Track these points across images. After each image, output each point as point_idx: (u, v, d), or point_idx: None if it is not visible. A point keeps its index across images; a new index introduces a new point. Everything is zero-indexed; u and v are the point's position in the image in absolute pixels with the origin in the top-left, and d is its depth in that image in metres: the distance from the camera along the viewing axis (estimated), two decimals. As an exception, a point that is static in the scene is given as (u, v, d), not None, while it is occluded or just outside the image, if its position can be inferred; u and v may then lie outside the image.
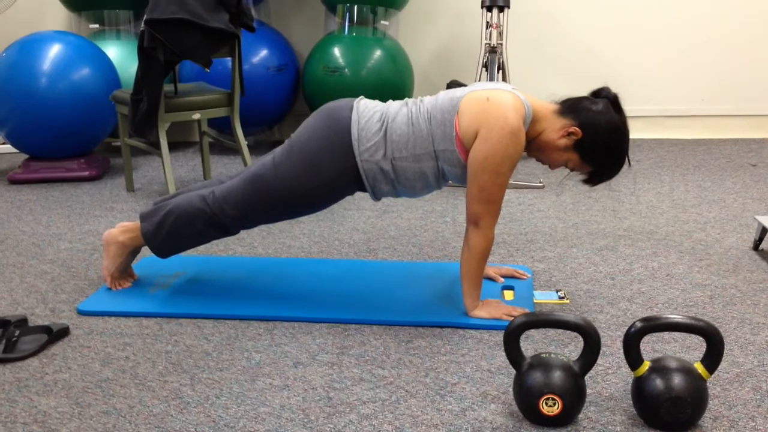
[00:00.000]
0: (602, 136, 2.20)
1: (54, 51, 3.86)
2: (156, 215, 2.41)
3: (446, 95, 2.27)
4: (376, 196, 2.35)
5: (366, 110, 2.28)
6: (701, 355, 1.75)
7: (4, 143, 4.32)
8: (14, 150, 4.17)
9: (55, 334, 2.16)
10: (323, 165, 2.25)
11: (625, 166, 2.28)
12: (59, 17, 4.92)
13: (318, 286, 2.51)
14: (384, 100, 4.38)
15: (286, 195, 2.30)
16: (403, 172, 2.25)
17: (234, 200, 2.34)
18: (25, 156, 4.10)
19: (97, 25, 4.57)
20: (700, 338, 1.93)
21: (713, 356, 1.70)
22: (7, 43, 3.96)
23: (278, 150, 2.34)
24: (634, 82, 4.88)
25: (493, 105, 2.17)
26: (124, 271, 2.52)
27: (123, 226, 2.49)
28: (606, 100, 2.24)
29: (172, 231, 2.40)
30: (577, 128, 2.20)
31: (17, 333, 2.10)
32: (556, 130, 2.22)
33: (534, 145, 2.26)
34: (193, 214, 2.37)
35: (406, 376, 1.95)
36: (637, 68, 4.89)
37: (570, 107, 2.24)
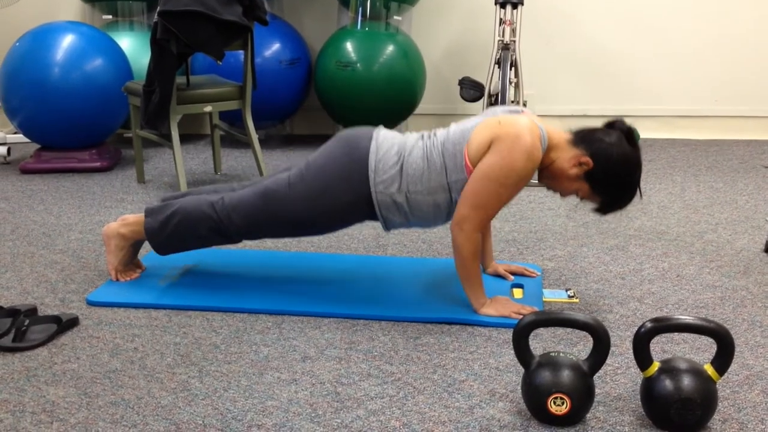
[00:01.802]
0: (613, 168, 2.20)
1: (67, 41, 3.86)
2: (161, 213, 2.42)
3: (458, 127, 2.29)
4: (388, 227, 2.36)
5: (385, 142, 2.29)
6: (711, 357, 1.74)
7: (16, 133, 4.33)
8: (26, 140, 4.17)
9: (65, 324, 2.16)
10: (337, 191, 2.27)
11: (637, 197, 2.28)
12: (73, 8, 4.93)
13: (327, 281, 2.51)
14: (396, 95, 4.38)
15: (296, 215, 2.31)
16: (417, 205, 2.26)
17: (243, 211, 2.34)
18: (37, 146, 4.11)
19: (110, 16, 4.58)
20: (711, 340, 1.92)
21: (723, 358, 1.70)
22: (21, 33, 3.97)
23: (294, 169, 2.35)
24: (646, 82, 4.85)
25: (504, 125, 2.18)
26: (128, 264, 2.53)
27: (124, 218, 2.50)
28: (619, 132, 2.23)
29: (174, 231, 2.40)
30: (588, 158, 2.20)
31: (27, 322, 2.11)
32: (568, 159, 2.22)
33: (545, 173, 2.27)
34: (199, 219, 2.38)
35: (414, 373, 1.95)
36: (650, 67, 4.86)
37: (583, 137, 2.24)
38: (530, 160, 2.15)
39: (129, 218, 2.50)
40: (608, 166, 2.19)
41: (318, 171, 2.29)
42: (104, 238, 2.50)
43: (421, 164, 2.24)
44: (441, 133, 2.30)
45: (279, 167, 2.47)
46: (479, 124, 2.24)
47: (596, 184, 2.22)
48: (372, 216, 2.33)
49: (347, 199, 2.28)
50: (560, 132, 2.27)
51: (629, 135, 2.23)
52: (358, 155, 2.27)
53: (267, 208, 2.33)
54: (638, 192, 2.26)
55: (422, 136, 2.32)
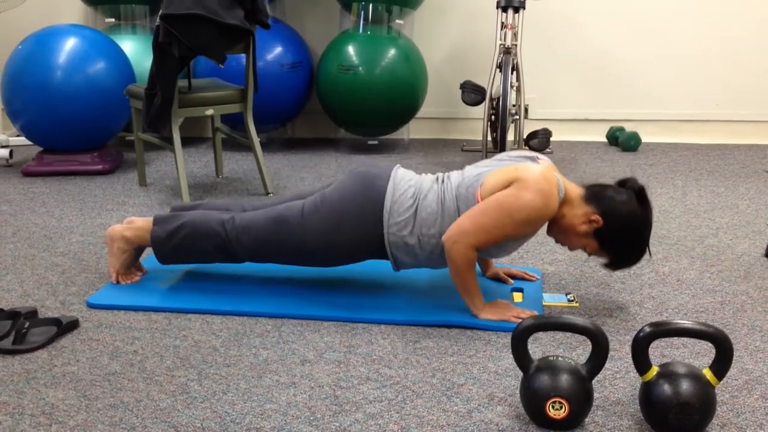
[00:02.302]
0: (622, 227, 2.21)
1: (69, 44, 3.88)
2: (170, 223, 2.42)
3: (472, 171, 2.29)
4: (398, 267, 2.36)
5: (402, 183, 2.30)
6: (710, 362, 1.74)
7: (18, 136, 4.34)
8: (28, 142, 4.19)
9: (65, 327, 2.17)
10: (350, 228, 2.28)
11: (646, 256, 2.30)
12: (75, 11, 4.94)
13: (327, 285, 2.51)
14: (398, 99, 4.38)
15: (306, 246, 2.32)
16: (428, 248, 2.27)
17: (254, 234, 2.35)
18: (39, 149, 4.12)
19: (113, 20, 4.59)
20: (710, 344, 1.92)
21: (722, 362, 1.69)
22: (24, 36, 3.98)
23: (309, 200, 2.35)
24: (648, 86, 4.86)
25: (522, 171, 2.19)
26: (129, 267, 2.53)
27: (131, 221, 2.50)
28: (631, 191, 2.24)
29: (181, 244, 2.41)
30: (598, 216, 2.20)
31: (27, 325, 2.11)
32: (579, 215, 2.23)
33: (555, 226, 2.28)
34: (207, 235, 2.38)
35: (413, 376, 1.95)
36: (652, 71, 4.86)
37: (595, 194, 2.25)
38: (546, 207, 2.16)
39: (136, 222, 2.50)
40: (617, 225, 2.21)
41: (333, 205, 2.30)
42: (108, 240, 2.51)
43: (436, 208, 2.25)
44: (455, 176, 2.31)
45: (290, 192, 2.48)
46: (495, 170, 2.24)
47: (605, 242, 2.24)
48: (381, 255, 2.34)
49: (359, 237, 2.29)
50: (574, 186, 2.28)
51: (641, 194, 2.24)
52: (374, 194, 2.28)
53: (277, 234, 2.34)
54: (647, 251, 2.28)
55: (437, 179, 2.32)
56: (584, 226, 2.22)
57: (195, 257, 2.47)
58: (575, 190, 2.27)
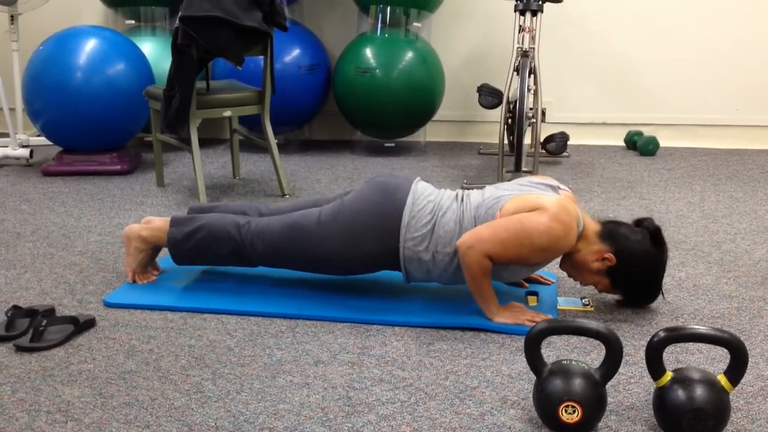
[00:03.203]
0: (635, 268, 2.23)
1: (90, 46, 3.91)
2: (187, 225, 2.44)
3: (492, 193, 2.29)
4: (409, 280, 2.37)
5: (421, 198, 2.29)
6: (725, 368, 1.73)
7: (38, 135, 4.38)
8: (48, 142, 4.22)
9: (82, 325, 2.19)
10: (366, 239, 2.29)
11: (659, 299, 2.33)
12: (96, 12, 4.98)
13: (341, 286, 2.52)
14: (415, 101, 4.38)
15: (321, 254, 2.33)
16: (442, 265, 2.27)
17: (269, 240, 2.37)
18: (58, 149, 4.16)
19: (133, 21, 4.63)
20: (725, 350, 1.91)
21: (737, 368, 1.68)
22: (45, 37, 4.02)
23: (326, 208, 2.36)
24: (667, 90, 4.83)
25: (544, 201, 2.18)
26: (146, 267, 2.55)
27: (149, 221, 2.52)
28: (646, 231, 2.25)
29: (196, 246, 2.43)
30: (612, 255, 2.21)
31: (44, 323, 2.13)
32: (593, 252, 2.24)
33: (569, 260, 2.29)
34: (223, 239, 2.40)
35: (426, 379, 1.95)
36: (672, 76, 4.84)
37: (610, 232, 2.26)
38: (566, 237, 2.17)
39: (154, 222, 2.52)
40: (630, 265, 2.22)
41: (350, 215, 2.30)
42: (125, 239, 2.53)
43: (453, 227, 2.25)
44: (475, 196, 2.31)
45: (306, 199, 2.50)
46: (516, 195, 2.24)
47: (617, 281, 2.26)
48: (395, 267, 2.34)
49: (374, 248, 2.30)
50: (590, 221, 2.29)
51: (656, 235, 2.25)
52: (392, 207, 2.28)
53: (292, 240, 2.35)
54: (660, 294, 2.29)
55: (456, 197, 2.32)
56: (597, 263, 2.23)
57: (210, 260, 2.48)
58: (591, 226, 2.27)
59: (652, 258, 2.24)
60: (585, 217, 2.28)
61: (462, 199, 2.31)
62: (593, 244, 2.24)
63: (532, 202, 2.19)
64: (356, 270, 2.39)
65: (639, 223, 2.29)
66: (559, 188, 2.29)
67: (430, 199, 2.30)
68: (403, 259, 2.29)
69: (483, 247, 2.16)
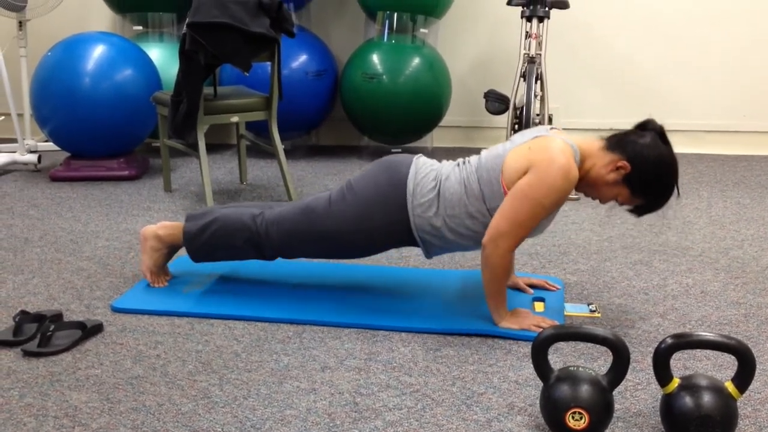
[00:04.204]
0: (651, 169, 2.20)
1: (98, 51, 3.92)
2: (202, 219, 2.46)
3: (489, 154, 2.30)
4: (429, 253, 2.38)
5: (423, 167, 2.33)
6: (733, 374, 1.73)
7: (46, 141, 4.40)
8: (56, 148, 4.24)
9: (89, 330, 2.19)
10: (376, 213, 2.30)
11: (674, 197, 2.27)
12: (104, 18, 5.00)
13: (348, 292, 2.52)
14: (421, 107, 4.39)
15: (334, 234, 2.34)
16: (455, 228, 2.28)
17: (282, 226, 2.38)
18: (66, 154, 4.17)
19: (140, 27, 4.64)
20: (732, 357, 1.90)
21: (744, 375, 1.68)
22: (53, 43, 4.04)
23: (336, 189, 2.39)
24: (674, 96, 4.82)
25: (534, 151, 2.19)
26: (162, 267, 2.56)
27: (163, 223, 2.55)
28: (653, 132, 2.23)
29: (212, 238, 2.44)
30: (625, 162, 2.20)
31: (52, 328, 2.14)
32: (605, 165, 2.22)
33: (583, 183, 2.27)
34: (238, 229, 2.41)
35: (433, 384, 1.95)
36: (678, 81, 4.83)
37: (617, 142, 2.24)
38: (567, 180, 2.16)
39: (168, 223, 2.55)
40: (646, 167, 2.20)
41: (359, 192, 2.33)
42: (141, 239, 2.54)
43: (459, 189, 2.26)
44: (474, 160, 2.33)
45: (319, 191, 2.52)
46: (510, 151, 2.25)
47: (636, 187, 2.22)
48: (411, 241, 2.35)
49: (386, 221, 2.31)
50: (591, 141, 2.28)
51: (662, 134, 2.24)
52: (397, 179, 2.31)
53: (306, 224, 2.37)
54: (676, 190, 2.26)
55: (458, 164, 2.34)
56: (613, 174, 2.21)
57: (225, 252, 2.48)
58: (595, 144, 2.27)
59: (664, 156, 2.21)
60: (581, 142, 2.26)
61: (464, 164, 2.33)
62: (603, 157, 2.23)
63: (527, 159, 2.18)
64: (372, 247, 2.40)
65: (642, 126, 2.27)
66: (547, 132, 2.28)
67: (433, 168, 2.34)
68: (416, 229, 2.30)
69: (507, 243, 2.18)
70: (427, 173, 2.31)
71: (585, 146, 2.25)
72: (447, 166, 2.35)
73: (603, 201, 2.31)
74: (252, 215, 2.43)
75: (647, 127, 2.25)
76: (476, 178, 2.26)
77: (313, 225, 2.36)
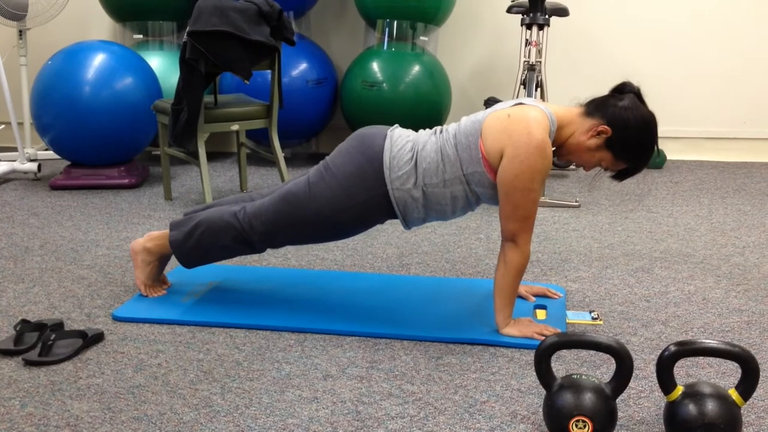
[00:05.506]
0: (632, 131, 2.21)
1: (98, 60, 3.93)
2: (185, 225, 2.45)
3: (468, 120, 2.30)
4: (408, 225, 2.36)
5: (399, 139, 2.30)
6: (736, 382, 1.72)
7: (46, 149, 4.40)
8: (56, 156, 4.24)
9: (90, 339, 2.19)
10: (355, 190, 2.28)
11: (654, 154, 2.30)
12: (104, 27, 5.01)
13: (350, 300, 2.52)
14: (422, 115, 4.39)
15: (317, 216, 2.32)
16: (434, 198, 2.27)
17: (265, 217, 2.36)
18: (66, 162, 4.17)
19: (141, 36, 4.65)
20: (736, 364, 1.90)
21: (748, 383, 1.68)
22: (53, 52, 4.04)
23: (313, 170, 2.37)
24: (674, 103, 4.82)
25: (514, 122, 2.19)
26: (156, 279, 2.55)
27: (150, 234, 2.53)
28: (631, 94, 2.24)
29: (198, 242, 2.43)
30: (606, 126, 2.20)
31: (53, 337, 2.13)
32: (585, 131, 2.23)
33: (564, 150, 2.28)
34: (222, 228, 2.40)
35: (436, 393, 1.94)
36: (678, 89, 4.84)
37: (596, 107, 2.25)
38: (543, 157, 2.16)
39: (154, 233, 2.53)
40: (627, 130, 2.20)
41: (336, 170, 2.30)
42: (131, 254, 2.54)
43: (435, 157, 2.25)
44: (452, 127, 2.31)
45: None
46: (489, 115, 2.24)
47: (618, 150, 2.23)
48: (392, 214, 2.33)
49: (365, 198, 2.28)
50: (570, 108, 2.28)
51: (640, 95, 2.25)
52: (372, 153, 2.28)
53: (288, 210, 2.34)
54: (656, 149, 2.27)
55: (435, 132, 2.33)
56: (594, 139, 2.22)
57: (215, 253, 2.47)
58: (572, 111, 2.27)
59: (645, 117, 2.22)
60: (559, 109, 2.26)
61: (441, 132, 2.31)
62: (583, 123, 2.23)
63: (504, 125, 2.18)
64: (356, 225, 2.36)
65: (619, 89, 2.28)
66: (524, 102, 2.27)
67: (409, 139, 2.31)
68: (396, 202, 2.28)
69: (523, 238, 2.20)
70: (402, 145, 2.28)
71: (564, 113, 2.25)
72: (423, 135, 2.32)
73: (587, 168, 2.31)
74: (233, 212, 2.40)
75: (624, 89, 2.27)
76: (453, 143, 2.25)
77: (295, 210, 2.33)
